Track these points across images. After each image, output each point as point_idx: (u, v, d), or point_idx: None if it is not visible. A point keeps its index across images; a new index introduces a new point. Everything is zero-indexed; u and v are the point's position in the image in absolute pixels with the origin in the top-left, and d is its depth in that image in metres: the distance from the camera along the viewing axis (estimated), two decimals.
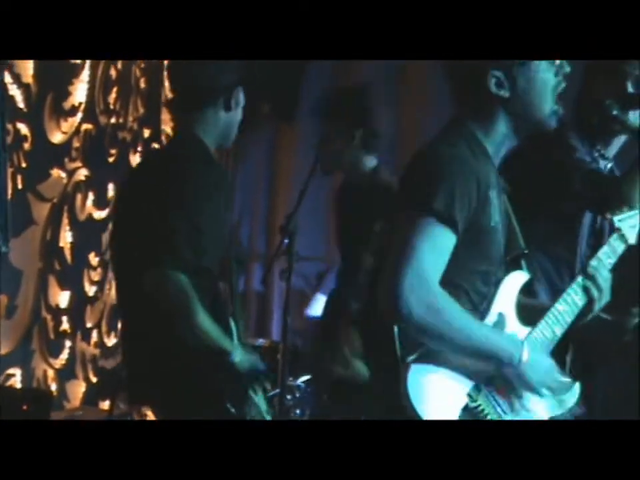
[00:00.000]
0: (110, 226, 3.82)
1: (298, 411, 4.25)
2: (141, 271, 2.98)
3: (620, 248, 2.63)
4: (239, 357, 3.01)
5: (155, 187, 3.12)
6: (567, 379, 2.47)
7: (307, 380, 4.36)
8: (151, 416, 4.29)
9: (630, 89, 3.24)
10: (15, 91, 4.27)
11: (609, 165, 3.33)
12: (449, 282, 2.29)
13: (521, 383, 2.35)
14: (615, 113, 3.04)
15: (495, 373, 2.32)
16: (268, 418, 3.08)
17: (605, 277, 2.52)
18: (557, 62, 2.44)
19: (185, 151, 3.12)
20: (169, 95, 5.17)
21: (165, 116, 5.60)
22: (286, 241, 3.96)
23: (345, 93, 4.01)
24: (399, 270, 2.22)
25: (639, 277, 4.10)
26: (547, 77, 2.43)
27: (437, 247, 2.26)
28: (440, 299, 2.25)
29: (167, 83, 5.23)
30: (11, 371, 4.38)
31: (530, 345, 2.37)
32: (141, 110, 5.43)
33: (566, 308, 2.48)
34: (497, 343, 2.34)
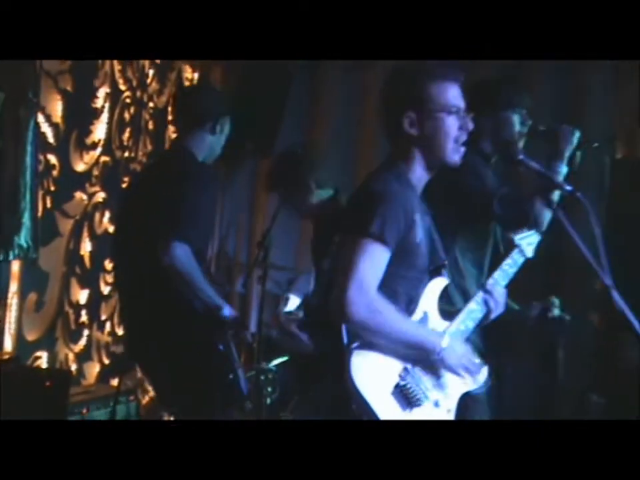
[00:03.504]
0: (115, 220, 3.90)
1: (270, 389, 4.41)
2: (154, 245, 3.25)
3: (520, 260, 2.82)
4: (228, 311, 3.36)
5: (157, 185, 3.44)
6: (478, 361, 2.62)
7: (278, 364, 4.51)
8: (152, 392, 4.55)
9: (526, 125, 3.32)
10: (46, 129, 4.55)
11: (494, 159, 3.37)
12: (386, 286, 2.45)
13: (443, 366, 2.53)
14: (520, 157, 2.93)
15: (420, 358, 2.50)
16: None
17: (500, 293, 2.73)
18: (462, 108, 2.52)
19: (179, 159, 3.53)
20: (172, 135, 5.42)
21: None
22: (262, 253, 4.29)
23: (288, 157, 4.12)
24: (345, 283, 2.38)
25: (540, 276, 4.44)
26: (450, 122, 2.52)
27: (373, 261, 2.41)
28: (377, 303, 2.40)
29: (170, 126, 5.64)
30: (38, 354, 4.64)
31: (449, 335, 2.54)
32: (149, 147, 5.61)
33: (476, 307, 2.68)
34: (423, 335, 2.52)
